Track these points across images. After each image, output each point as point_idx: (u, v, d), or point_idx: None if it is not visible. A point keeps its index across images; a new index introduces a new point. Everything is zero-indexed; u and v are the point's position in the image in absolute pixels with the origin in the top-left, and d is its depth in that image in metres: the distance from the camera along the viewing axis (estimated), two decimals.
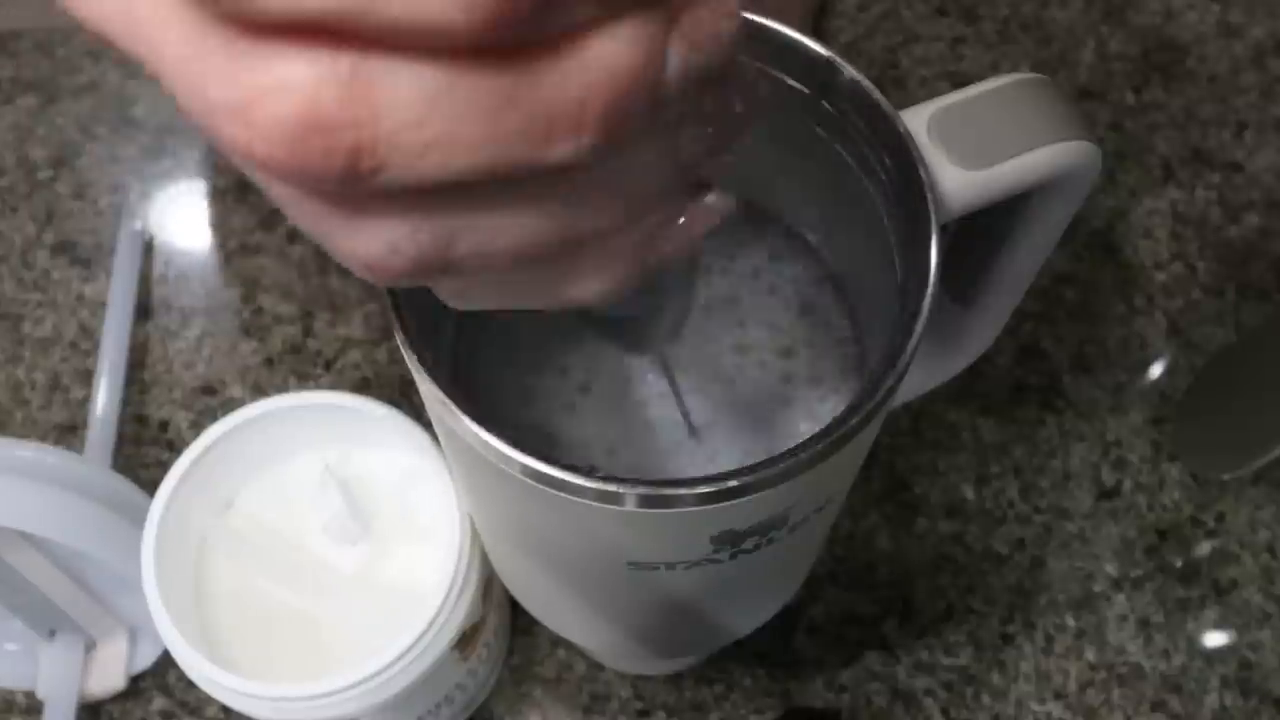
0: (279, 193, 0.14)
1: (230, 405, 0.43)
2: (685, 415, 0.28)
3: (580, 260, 0.16)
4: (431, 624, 0.31)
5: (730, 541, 0.23)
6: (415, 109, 0.12)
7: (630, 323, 0.22)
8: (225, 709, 0.39)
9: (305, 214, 0.14)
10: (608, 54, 0.13)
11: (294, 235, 0.47)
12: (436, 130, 0.13)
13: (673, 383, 0.27)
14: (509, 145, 0.13)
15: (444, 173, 0.13)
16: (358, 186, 0.13)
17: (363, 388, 0.44)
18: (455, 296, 0.17)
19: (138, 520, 0.33)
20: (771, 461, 0.21)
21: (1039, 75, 0.25)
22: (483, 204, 0.14)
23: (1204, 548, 0.42)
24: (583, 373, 0.30)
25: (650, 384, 0.30)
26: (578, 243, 0.16)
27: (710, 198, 0.17)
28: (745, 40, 0.15)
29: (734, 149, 0.17)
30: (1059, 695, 0.40)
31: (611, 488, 0.21)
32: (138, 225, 0.48)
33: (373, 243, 0.14)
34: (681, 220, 0.17)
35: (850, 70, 0.24)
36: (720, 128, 0.16)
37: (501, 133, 0.13)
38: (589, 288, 0.17)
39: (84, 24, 0.13)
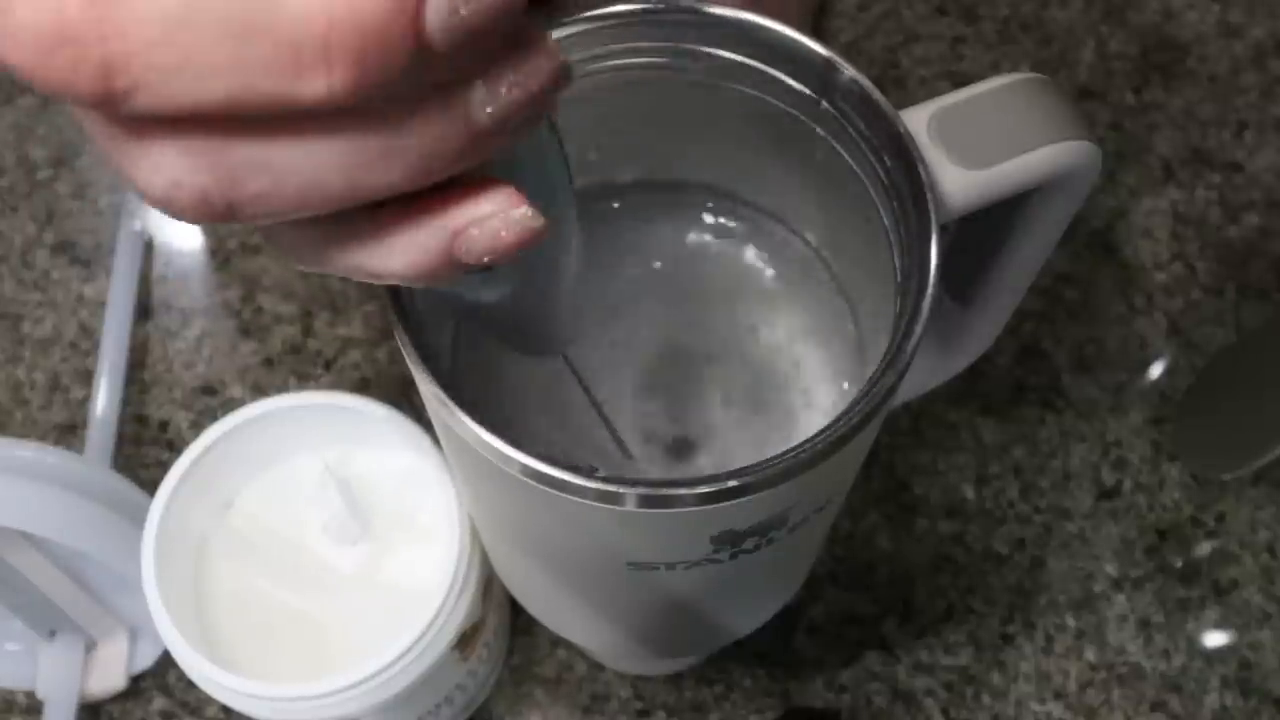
0: (78, 115, 0.15)
1: (230, 405, 0.43)
2: (616, 439, 0.28)
3: (384, 231, 0.17)
4: (431, 624, 0.31)
5: (730, 541, 0.23)
6: (158, 27, 0.13)
7: (517, 323, 0.22)
8: (225, 709, 0.39)
9: (100, 139, 0.15)
10: None
11: None
12: (182, 51, 0.13)
13: (588, 392, 0.27)
14: (258, 74, 0.13)
15: (197, 97, 0.13)
16: (119, 107, 0.13)
17: (363, 388, 0.44)
18: (280, 248, 0.17)
19: (138, 520, 0.33)
20: (771, 461, 0.21)
21: (1039, 75, 0.25)
22: (261, 142, 0.15)
23: (1204, 548, 0.42)
24: (585, 372, 0.30)
25: (647, 384, 0.30)
26: (368, 195, 0.16)
27: (515, 205, 0.17)
28: (521, 4, 0.14)
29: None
30: (1059, 695, 0.40)
31: (611, 488, 0.21)
32: (137, 225, 0.48)
33: (155, 175, 0.15)
34: (486, 215, 0.17)
35: (850, 70, 0.24)
36: (515, 92, 0.15)
37: (249, 60, 0.13)
38: (397, 261, 0.17)
39: None
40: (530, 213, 0.17)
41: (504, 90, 0.15)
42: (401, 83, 0.14)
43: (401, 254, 0.17)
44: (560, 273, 0.22)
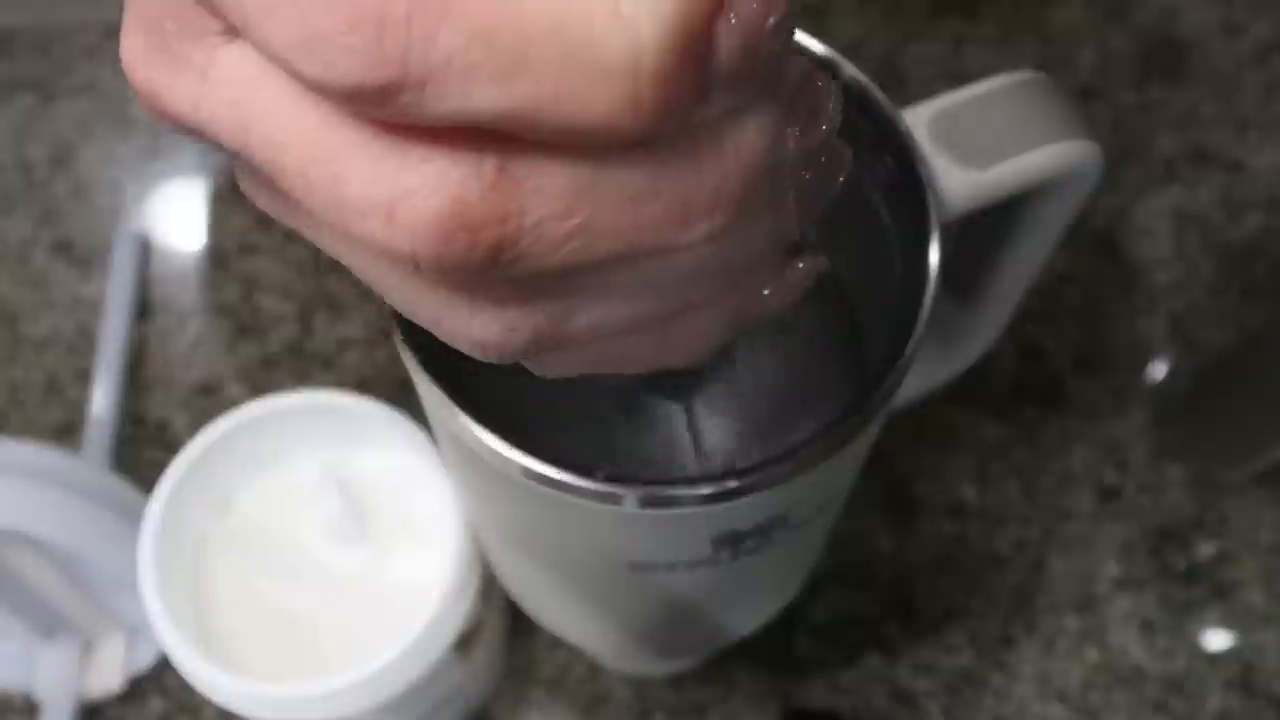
0: (382, 277, 0.14)
1: (229, 405, 0.43)
2: (696, 442, 0.28)
3: (683, 325, 0.16)
4: (431, 625, 0.31)
5: (731, 542, 0.23)
6: (560, 203, 0.13)
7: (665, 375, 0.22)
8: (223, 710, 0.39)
9: (415, 297, 0.14)
10: (741, 141, 0.13)
11: (292, 235, 0.47)
12: (578, 222, 0.13)
13: (691, 418, 0.27)
14: (648, 231, 0.13)
15: (582, 259, 0.13)
16: (493, 274, 0.13)
17: (362, 388, 0.43)
18: (549, 367, 0.17)
19: (135, 521, 0.33)
20: (772, 462, 0.21)
21: (1040, 74, 0.25)
22: (605, 282, 0.14)
23: (1206, 549, 0.42)
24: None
25: (649, 384, 0.30)
26: (696, 308, 0.16)
27: (805, 259, 0.17)
28: (840, 116, 0.15)
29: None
30: (1061, 696, 0.40)
31: (611, 488, 0.21)
32: (135, 225, 0.47)
33: (490, 325, 0.14)
34: (781, 279, 0.17)
35: (850, 70, 0.24)
36: (816, 193, 0.16)
37: (642, 221, 0.13)
38: (686, 352, 0.17)
39: (174, 126, 0.13)
40: (816, 258, 0.17)
41: (811, 201, 0.16)
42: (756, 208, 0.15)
43: (700, 339, 0.17)
44: None
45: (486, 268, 0.13)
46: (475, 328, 0.14)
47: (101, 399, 0.43)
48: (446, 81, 0.11)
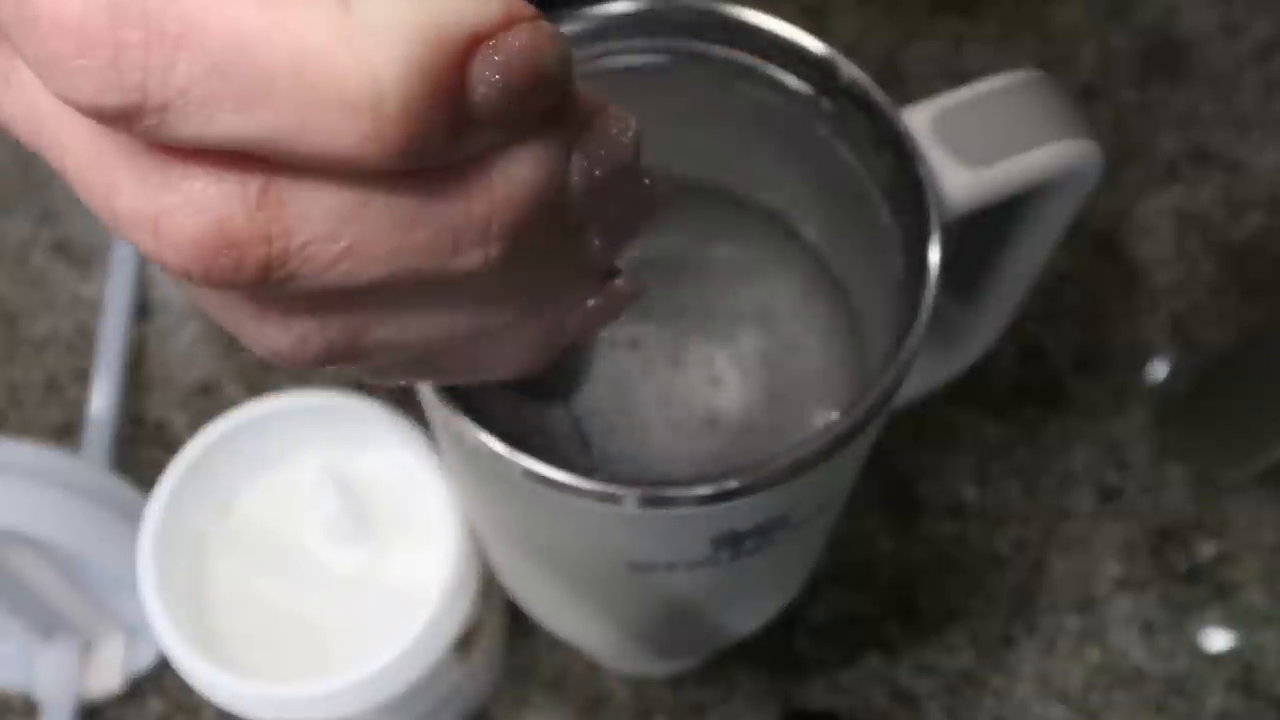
0: (185, 288, 0.15)
1: (228, 405, 0.43)
2: (586, 451, 0.28)
3: (492, 345, 0.17)
4: (430, 625, 0.31)
5: (731, 542, 0.23)
6: (326, 226, 0.13)
7: (530, 384, 0.22)
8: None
9: (213, 306, 0.15)
10: (513, 173, 0.14)
11: None
12: (345, 245, 0.13)
13: (577, 424, 0.27)
14: (418, 257, 0.14)
15: (353, 280, 0.13)
16: (267, 292, 0.13)
17: (362, 388, 0.43)
18: (368, 375, 0.17)
19: (135, 521, 0.33)
20: (772, 462, 0.21)
21: (1040, 73, 0.25)
22: (391, 302, 0.15)
23: (1207, 549, 0.42)
24: (581, 372, 0.30)
25: (648, 384, 0.30)
26: (492, 331, 0.16)
27: (618, 283, 0.18)
28: (638, 150, 0.15)
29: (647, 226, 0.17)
30: (1061, 697, 0.40)
31: (611, 489, 0.21)
32: None
33: (282, 336, 0.15)
34: (591, 304, 0.18)
35: (851, 69, 0.24)
36: (622, 224, 0.17)
37: (411, 246, 0.13)
38: (500, 369, 0.18)
39: None
40: (631, 284, 0.18)
41: (615, 227, 0.16)
42: (541, 240, 0.15)
43: (510, 358, 0.17)
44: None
45: (257, 285, 0.13)
46: (269, 337, 0.15)
47: (101, 399, 0.43)
48: (186, 109, 0.12)
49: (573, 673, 0.40)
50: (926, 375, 0.33)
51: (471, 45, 0.12)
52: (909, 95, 0.25)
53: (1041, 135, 0.24)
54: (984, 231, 0.28)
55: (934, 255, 0.23)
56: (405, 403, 0.33)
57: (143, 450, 0.43)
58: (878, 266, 0.25)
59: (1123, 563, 0.41)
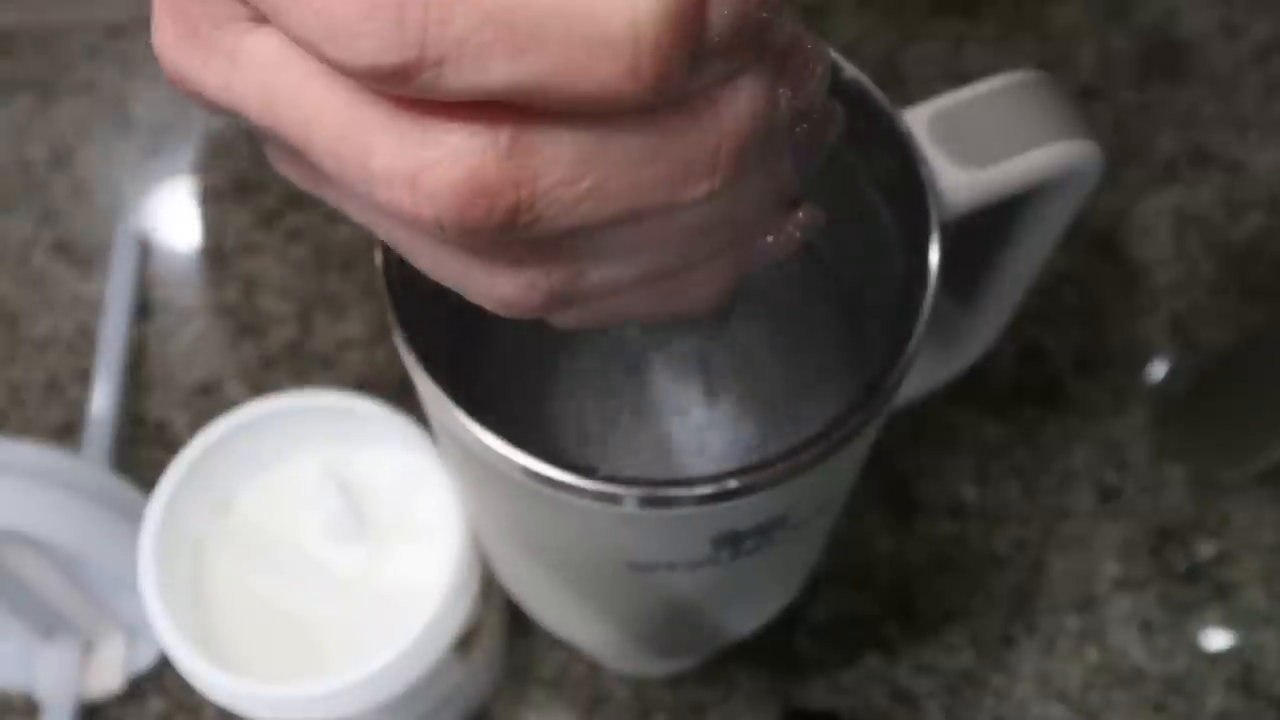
0: (410, 244, 0.15)
1: (228, 405, 0.43)
2: (710, 394, 0.28)
3: (690, 277, 0.17)
4: (431, 625, 0.31)
5: (731, 542, 0.23)
6: (570, 168, 0.14)
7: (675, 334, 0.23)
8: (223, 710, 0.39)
9: (442, 261, 0.16)
10: (736, 105, 0.15)
11: (292, 235, 0.47)
12: (589, 184, 0.14)
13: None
14: (652, 191, 0.14)
15: (593, 219, 0.14)
16: (511, 236, 0.14)
17: (362, 388, 0.43)
18: (565, 319, 0.18)
19: (135, 521, 0.33)
20: (772, 462, 0.21)
21: (1040, 74, 0.25)
22: (615, 241, 0.15)
23: (1206, 549, 0.42)
24: (582, 371, 0.30)
25: (648, 383, 0.30)
26: (697, 263, 0.17)
27: (803, 211, 0.18)
28: (829, 78, 0.16)
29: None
30: (1061, 697, 0.40)
31: (611, 488, 0.21)
32: (135, 225, 0.47)
33: (512, 283, 0.15)
34: (782, 231, 0.18)
35: (850, 69, 0.24)
36: (809, 149, 0.17)
37: (646, 181, 0.14)
38: (698, 300, 0.18)
39: (202, 103, 0.14)
40: (814, 210, 0.18)
41: (805, 157, 0.17)
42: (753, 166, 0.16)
43: (706, 290, 0.18)
44: None
45: (506, 230, 0.14)
46: (498, 287, 0.15)
47: (101, 399, 0.43)
48: (462, 60, 0.12)
49: (573, 673, 0.40)
50: (926, 375, 0.33)
51: None
52: (909, 95, 0.25)
53: (1041, 135, 0.24)
54: (984, 231, 0.28)
55: (934, 255, 0.23)
56: (405, 402, 0.33)
57: (143, 450, 0.43)
58: (878, 267, 0.25)
59: (1122, 562, 0.42)
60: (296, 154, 0.15)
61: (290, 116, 0.14)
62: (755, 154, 0.15)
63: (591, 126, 0.14)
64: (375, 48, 0.12)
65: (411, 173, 0.13)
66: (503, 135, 0.13)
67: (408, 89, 0.13)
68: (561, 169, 0.14)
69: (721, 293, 0.18)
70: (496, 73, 0.12)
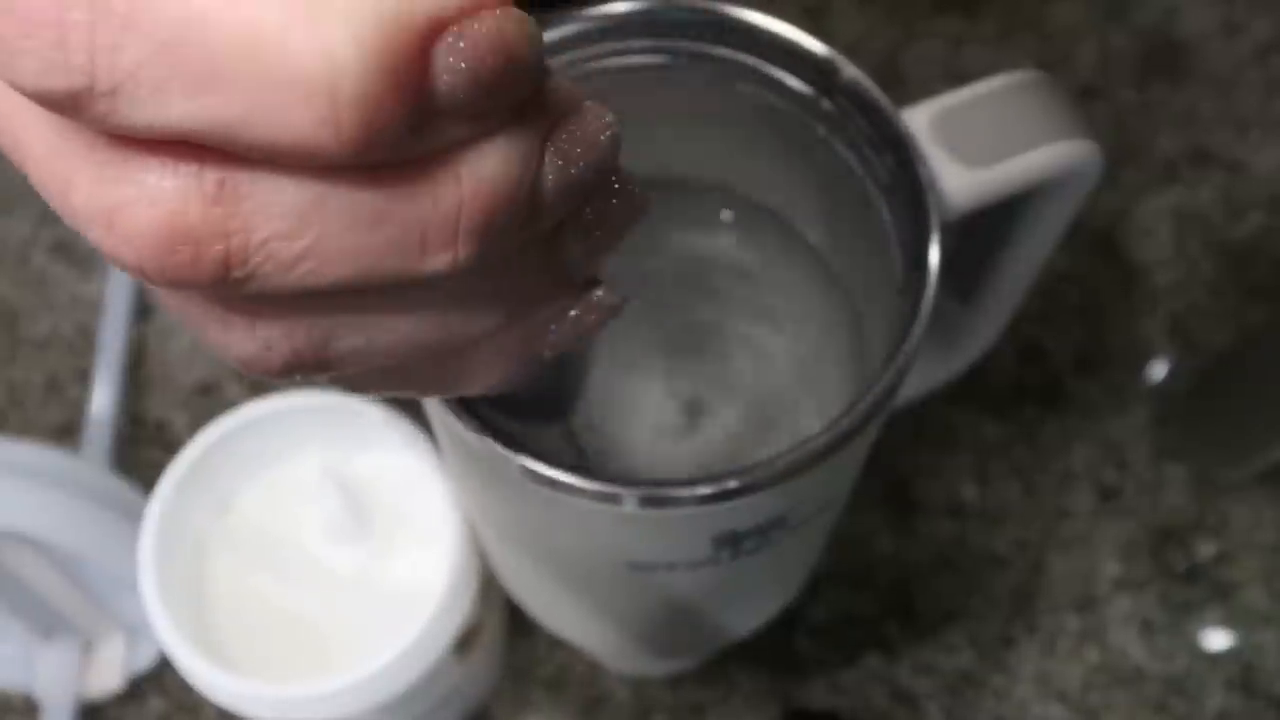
0: (150, 288, 0.14)
1: (228, 405, 0.43)
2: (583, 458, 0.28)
3: (466, 356, 0.16)
4: (430, 625, 0.31)
5: (731, 542, 0.23)
6: (286, 221, 0.12)
7: (525, 401, 0.22)
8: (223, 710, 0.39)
9: (177, 309, 0.14)
10: (481, 170, 0.13)
11: None
12: (307, 243, 0.13)
13: (571, 438, 0.27)
14: (382, 257, 0.13)
15: (316, 282, 0.13)
16: (227, 292, 0.13)
17: None
18: (341, 385, 0.17)
19: (135, 521, 0.33)
20: (772, 462, 0.21)
21: (1040, 73, 0.25)
22: (358, 307, 0.14)
23: (1206, 549, 0.42)
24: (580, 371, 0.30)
25: (648, 383, 0.30)
26: (461, 342, 0.16)
27: (598, 293, 0.17)
28: (617, 150, 0.15)
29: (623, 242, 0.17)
30: (1061, 697, 0.40)
31: (611, 489, 0.21)
32: None
33: (247, 342, 0.14)
34: (571, 314, 0.17)
35: (850, 69, 0.24)
36: (602, 230, 0.16)
37: (375, 245, 0.13)
38: (475, 382, 0.17)
39: None
40: (611, 295, 0.17)
41: (592, 233, 0.16)
42: (514, 243, 0.14)
43: (486, 370, 0.17)
44: (588, 348, 0.21)
45: (217, 284, 0.13)
46: (234, 343, 0.14)
47: (101, 399, 0.43)
48: (136, 93, 0.11)
49: (573, 673, 0.40)
50: (926, 375, 0.33)
51: (435, 30, 0.12)
52: (909, 95, 0.25)
53: (1041, 135, 0.24)
54: (984, 231, 0.28)
55: (934, 255, 0.23)
56: (405, 402, 0.33)
57: (143, 450, 0.43)
58: (878, 266, 0.25)
59: (1122, 562, 0.42)
60: None
61: (6, 139, 0.13)
62: (516, 229, 0.14)
63: (309, 179, 0.12)
64: (37, 69, 0.11)
65: (108, 211, 0.12)
66: (208, 178, 0.12)
67: (86, 120, 0.12)
68: (275, 222, 0.12)
69: (509, 372, 0.17)
70: (178, 109, 0.11)
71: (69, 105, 0.11)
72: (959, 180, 0.24)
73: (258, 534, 0.34)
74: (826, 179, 0.27)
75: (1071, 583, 0.41)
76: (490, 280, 0.15)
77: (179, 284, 0.13)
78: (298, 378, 0.15)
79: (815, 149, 0.26)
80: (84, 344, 0.45)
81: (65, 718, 0.38)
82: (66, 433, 0.44)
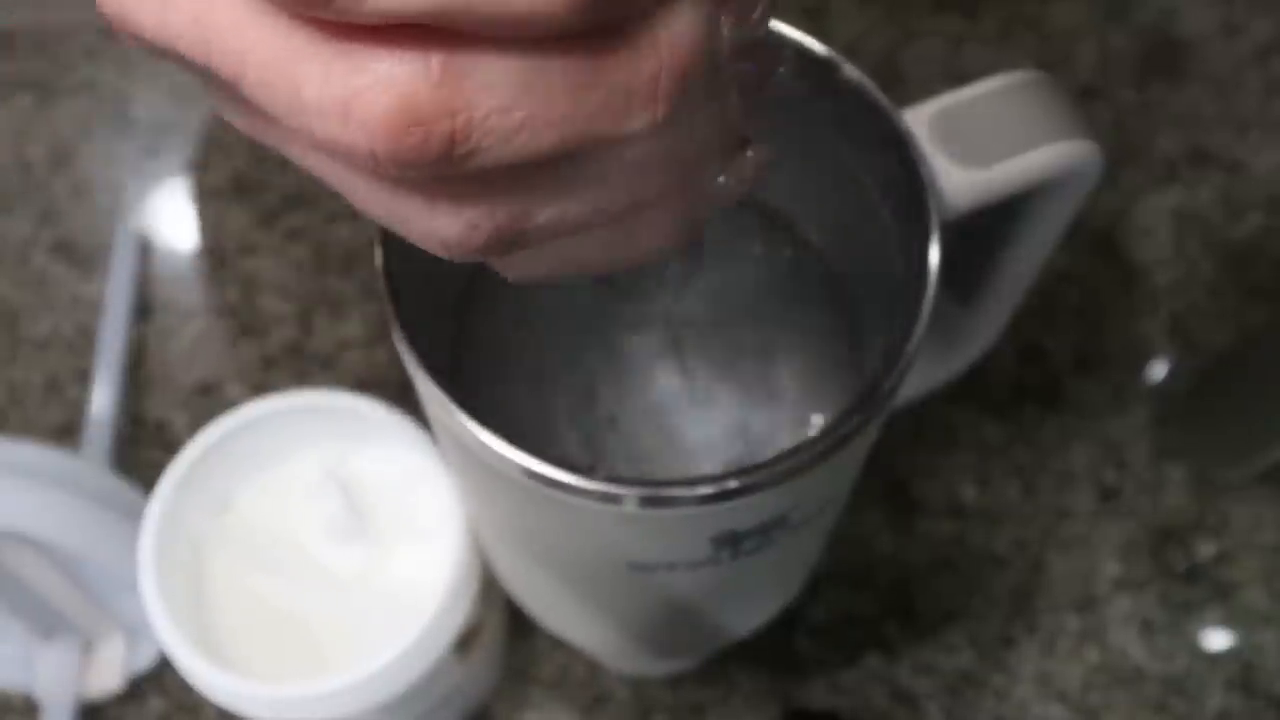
0: (351, 184, 0.15)
1: (228, 405, 0.43)
2: (689, 379, 0.28)
3: (641, 220, 0.17)
4: (430, 625, 0.31)
5: (731, 542, 0.23)
6: (505, 96, 0.13)
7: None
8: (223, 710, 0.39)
9: (382, 201, 0.15)
10: (675, 33, 0.14)
11: (292, 234, 0.47)
12: (525, 114, 0.13)
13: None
14: (591, 121, 0.14)
15: (531, 151, 0.14)
16: (449, 170, 0.14)
17: (362, 388, 0.43)
18: (515, 268, 0.17)
19: (135, 521, 0.33)
20: (772, 462, 0.21)
21: (1040, 73, 0.25)
22: (556, 178, 0.15)
23: (1206, 549, 0.42)
24: (582, 372, 0.30)
25: (649, 383, 0.30)
26: (645, 202, 0.16)
27: (751, 151, 0.18)
28: (772, 8, 0.16)
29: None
30: (1061, 697, 0.40)
31: (611, 489, 0.21)
32: (135, 225, 0.47)
33: (453, 223, 0.15)
34: (732, 170, 0.18)
35: (850, 69, 0.24)
36: (755, 83, 0.17)
37: (584, 111, 0.14)
38: (648, 246, 0.18)
39: (142, 44, 0.14)
40: (764, 151, 0.18)
41: (751, 91, 0.17)
42: (699, 102, 0.15)
43: (656, 233, 0.17)
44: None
45: (443, 161, 0.13)
46: (439, 226, 0.15)
47: (101, 399, 0.43)
48: (491, 147, 0.13)
49: (573, 673, 0.40)
50: (926, 375, 0.33)
51: None
52: (909, 95, 0.25)
53: (1041, 135, 0.24)
54: (984, 231, 0.28)
55: (934, 255, 0.23)
56: (405, 402, 0.33)
57: (143, 450, 0.43)
58: (878, 266, 0.25)
59: (1122, 562, 0.42)
60: (238, 97, 0.14)
61: (222, 50, 0.13)
62: (699, 85, 0.15)
63: (525, 54, 0.13)
64: None
65: (342, 101, 0.13)
66: (433, 61, 0.13)
67: (329, 12, 0.12)
68: (496, 97, 0.13)
69: (673, 238, 0.18)
70: None
71: (315, 1, 0.12)
72: (959, 180, 0.24)
73: (257, 534, 0.34)
74: (826, 179, 0.27)
75: (1071, 583, 0.41)
76: (673, 140, 0.16)
77: (408, 166, 0.13)
78: (492, 255, 0.16)
79: (815, 149, 0.26)
80: (84, 344, 0.45)
81: (65, 718, 0.38)
82: (66, 433, 0.44)
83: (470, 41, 0.13)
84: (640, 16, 0.14)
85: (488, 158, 0.14)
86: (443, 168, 0.13)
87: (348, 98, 0.13)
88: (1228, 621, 0.41)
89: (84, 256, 0.47)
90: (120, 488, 0.38)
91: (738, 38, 0.15)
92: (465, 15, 0.12)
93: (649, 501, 0.21)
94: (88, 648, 0.39)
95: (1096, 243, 0.47)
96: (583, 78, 0.14)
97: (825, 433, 0.21)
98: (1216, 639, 0.40)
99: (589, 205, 0.16)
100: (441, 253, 0.15)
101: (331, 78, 0.13)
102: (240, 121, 0.16)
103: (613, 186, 0.16)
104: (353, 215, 0.46)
